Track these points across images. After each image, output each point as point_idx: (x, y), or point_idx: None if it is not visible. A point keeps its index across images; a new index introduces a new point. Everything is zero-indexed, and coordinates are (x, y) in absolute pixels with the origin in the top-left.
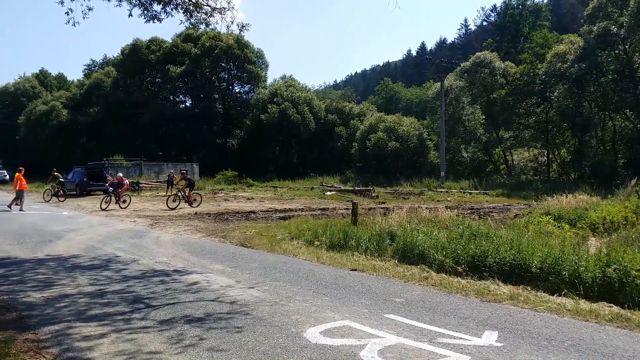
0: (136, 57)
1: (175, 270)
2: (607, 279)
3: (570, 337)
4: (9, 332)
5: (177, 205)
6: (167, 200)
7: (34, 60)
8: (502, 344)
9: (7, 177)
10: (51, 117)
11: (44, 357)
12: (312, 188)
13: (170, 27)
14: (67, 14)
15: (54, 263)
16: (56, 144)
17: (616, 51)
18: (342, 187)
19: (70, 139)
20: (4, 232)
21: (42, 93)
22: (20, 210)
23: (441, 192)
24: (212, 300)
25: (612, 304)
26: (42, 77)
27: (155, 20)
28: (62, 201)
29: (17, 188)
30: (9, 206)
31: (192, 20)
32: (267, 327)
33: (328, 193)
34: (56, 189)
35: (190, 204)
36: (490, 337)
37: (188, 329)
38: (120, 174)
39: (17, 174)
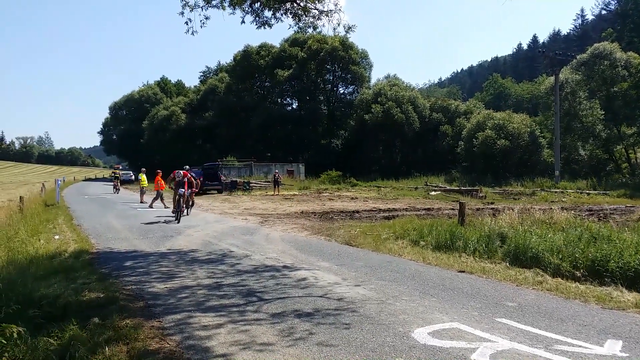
0: (247, 62)
1: (284, 266)
2: None
3: None
4: (137, 319)
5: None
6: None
7: (156, 69)
8: (627, 355)
9: (132, 177)
10: (171, 121)
11: (167, 343)
12: (416, 188)
13: (278, 33)
14: (187, 24)
15: (175, 256)
16: (175, 146)
17: None
18: (447, 187)
19: (188, 141)
20: (131, 227)
21: (163, 99)
22: (165, 207)
23: (555, 192)
24: (320, 297)
25: None
26: (163, 84)
27: (266, 26)
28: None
29: (157, 188)
30: (150, 205)
31: (301, 24)
32: (374, 325)
33: (432, 193)
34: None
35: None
36: (613, 347)
37: (298, 323)
38: (186, 167)
39: (156, 175)
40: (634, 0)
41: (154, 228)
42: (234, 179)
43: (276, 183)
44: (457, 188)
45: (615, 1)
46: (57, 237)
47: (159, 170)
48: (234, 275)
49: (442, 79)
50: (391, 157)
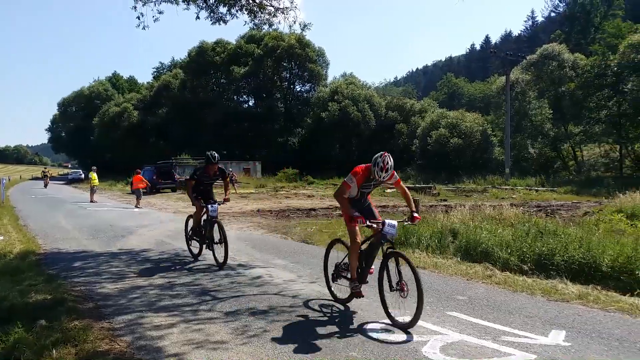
0: (202, 59)
1: (239, 265)
2: None
3: None
4: (86, 321)
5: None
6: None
7: (108, 65)
8: (569, 344)
9: (82, 175)
10: (123, 118)
11: (118, 344)
12: None
13: (234, 29)
14: (139, 18)
15: (126, 256)
16: (127, 144)
17: None
18: None
19: (140, 138)
20: (81, 227)
21: (114, 95)
22: (137, 207)
23: (506, 189)
24: (275, 294)
25: None
26: (115, 80)
27: (221, 22)
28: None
29: (137, 187)
30: (137, 207)
31: (256, 21)
32: (329, 322)
33: (388, 190)
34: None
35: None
36: (557, 337)
37: (252, 320)
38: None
39: (134, 175)
40: (580, 3)
41: (105, 227)
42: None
43: (231, 181)
44: (412, 185)
45: (564, 4)
46: (0, 238)
47: (138, 170)
48: (187, 274)
49: (398, 78)
50: (348, 155)
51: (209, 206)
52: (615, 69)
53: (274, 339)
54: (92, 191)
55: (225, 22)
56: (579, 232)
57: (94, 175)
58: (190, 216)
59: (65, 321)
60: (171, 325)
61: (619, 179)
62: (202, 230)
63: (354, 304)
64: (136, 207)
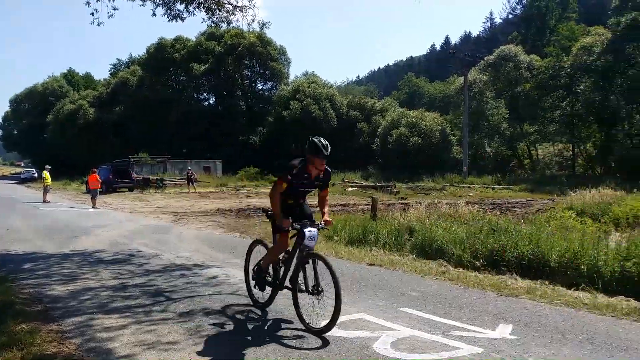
0: (161, 55)
1: (195, 265)
2: (625, 273)
3: (585, 331)
4: (34, 324)
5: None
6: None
7: (63, 61)
8: (516, 337)
9: (35, 174)
10: (78, 116)
11: (66, 347)
12: (333, 184)
13: (194, 26)
14: (93, 14)
15: (78, 258)
16: (83, 142)
17: None
18: (364, 183)
19: (97, 137)
20: (33, 227)
21: (69, 92)
22: (92, 207)
23: (463, 187)
24: (230, 294)
25: (630, 298)
26: (70, 76)
27: (178, 20)
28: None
29: (93, 187)
30: (94, 207)
31: (214, 19)
32: (284, 321)
33: (349, 189)
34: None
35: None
36: (504, 330)
37: (206, 320)
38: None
39: (90, 174)
40: (536, 6)
41: (58, 228)
42: (147, 177)
43: (190, 180)
44: (373, 184)
45: (521, 6)
46: None
47: (94, 169)
48: (141, 275)
49: (360, 77)
50: None
51: (306, 230)
52: (569, 70)
53: (227, 339)
54: (46, 191)
55: (182, 19)
56: (529, 228)
57: (47, 175)
58: (258, 242)
59: (12, 324)
60: (122, 327)
61: (571, 177)
62: (283, 268)
63: (308, 301)
64: (92, 207)
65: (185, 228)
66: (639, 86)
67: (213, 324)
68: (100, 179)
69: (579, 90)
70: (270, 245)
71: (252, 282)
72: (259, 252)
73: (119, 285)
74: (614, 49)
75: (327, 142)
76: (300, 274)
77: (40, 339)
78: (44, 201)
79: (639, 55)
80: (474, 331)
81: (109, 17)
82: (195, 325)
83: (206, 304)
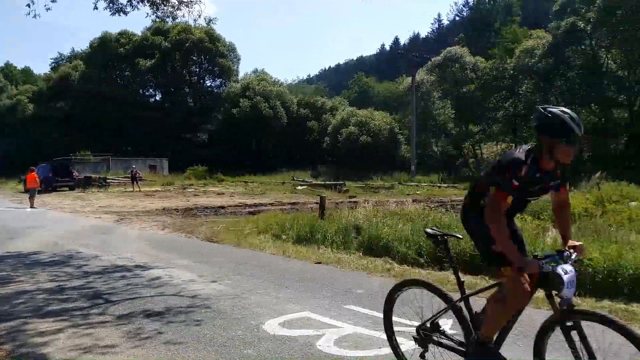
0: (105, 50)
1: (137, 266)
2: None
3: (523, 323)
4: None
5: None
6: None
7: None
8: (455, 332)
9: None
10: (17, 112)
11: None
12: (283, 183)
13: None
14: (29, 6)
15: (13, 260)
16: (22, 139)
17: (582, 46)
18: (314, 182)
19: (36, 134)
20: None
21: (7, 87)
22: (31, 207)
23: (411, 185)
24: (173, 295)
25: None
26: (7, 70)
27: (121, 13)
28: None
29: (31, 186)
30: (32, 207)
31: (159, 14)
32: (226, 320)
33: (299, 187)
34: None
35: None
36: (445, 325)
37: (147, 323)
38: None
39: (28, 173)
40: (482, 9)
41: (4, 228)
42: (89, 175)
43: (134, 179)
44: (323, 182)
45: (467, 8)
46: None
47: (32, 167)
48: (79, 277)
49: (311, 76)
50: (259, 152)
51: (561, 271)
52: (512, 72)
53: (168, 342)
54: None
55: (125, 13)
56: None
57: None
58: (413, 283)
59: None
60: (58, 331)
61: None
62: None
63: (253, 301)
64: (30, 207)
65: (129, 228)
66: (577, 88)
67: (154, 327)
68: (40, 177)
69: (521, 92)
70: (435, 285)
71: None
72: (416, 298)
73: (56, 288)
74: (554, 52)
75: (576, 115)
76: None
77: None
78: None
79: (578, 58)
80: (413, 326)
81: (46, 9)
82: (135, 327)
83: (147, 305)
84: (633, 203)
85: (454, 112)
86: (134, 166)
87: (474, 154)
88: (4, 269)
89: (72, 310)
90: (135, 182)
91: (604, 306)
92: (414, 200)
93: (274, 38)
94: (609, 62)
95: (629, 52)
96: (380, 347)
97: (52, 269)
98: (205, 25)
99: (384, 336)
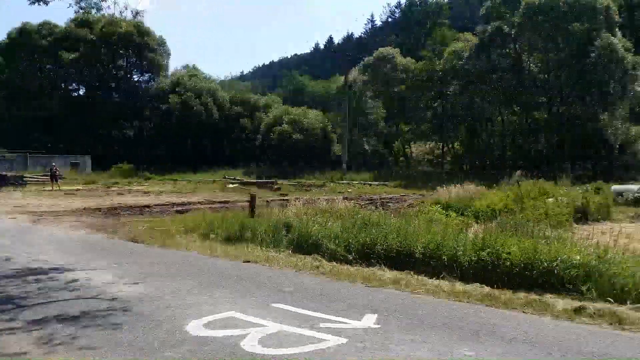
0: (25, 41)
1: (53, 268)
2: (481, 262)
3: (443, 316)
4: None
5: None
6: None
7: None
8: (379, 326)
9: None
10: None
11: None
12: (214, 181)
13: (63, 11)
14: None
15: None
16: None
17: (507, 50)
18: (245, 180)
19: None
20: None
21: None
22: None
23: (343, 183)
24: (91, 298)
25: (484, 285)
26: None
27: (41, 3)
28: None
29: None
30: None
31: (82, 4)
32: (147, 323)
33: (230, 186)
34: None
35: None
36: (369, 320)
37: (60, 328)
38: None
39: None
40: (413, 11)
41: None
42: (3, 173)
43: (53, 177)
44: (255, 181)
45: (399, 10)
46: None
47: None
48: None
49: (244, 73)
50: (189, 150)
51: None
52: (440, 73)
53: (82, 347)
54: None
55: (46, 3)
56: (398, 222)
57: None
58: None
59: None
60: None
61: (441, 174)
62: None
63: (176, 302)
64: None
65: (46, 229)
66: (501, 90)
67: (68, 332)
68: None
69: (449, 93)
70: None
71: None
72: None
73: None
74: (481, 55)
75: None
76: None
77: None
78: None
79: (503, 61)
80: (341, 322)
81: None
82: (47, 333)
83: (62, 310)
84: (550, 200)
85: (385, 111)
86: (53, 164)
87: (403, 153)
88: None
89: None
90: (54, 180)
91: (520, 297)
92: (344, 198)
93: (206, 33)
94: (531, 65)
95: (548, 55)
96: (305, 344)
97: None
98: (132, 18)
99: (309, 333)
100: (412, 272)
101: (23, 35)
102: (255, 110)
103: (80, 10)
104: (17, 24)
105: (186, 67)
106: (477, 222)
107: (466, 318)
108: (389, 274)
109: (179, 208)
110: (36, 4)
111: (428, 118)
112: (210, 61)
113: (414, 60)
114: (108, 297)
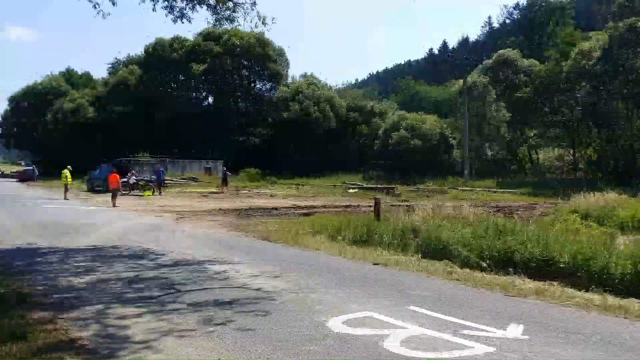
0: (159, 55)
1: (201, 261)
2: (638, 274)
3: (597, 332)
4: (50, 313)
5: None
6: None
7: (61, 60)
8: (528, 337)
9: (37, 172)
10: (78, 115)
11: (87, 332)
12: (334, 186)
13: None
14: (95, 7)
15: (92, 252)
16: (82, 140)
17: None
18: (365, 185)
19: (96, 135)
20: (44, 225)
21: (68, 91)
22: (114, 206)
23: (465, 190)
24: (238, 287)
25: None
26: (69, 75)
27: (184, 20)
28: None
29: (114, 187)
30: (114, 205)
31: (218, 17)
32: (290, 315)
33: (350, 191)
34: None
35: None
36: (515, 330)
37: (217, 311)
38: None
39: (111, 174)
40: (534, 11)
41: (79, 224)
42: (146, 176)
43: (225, 180)
44: (374, 186)
45: (518, 11)
46: None
47: (115, 169)
48: (152, 269)
49: (359, 80)
50: (310, 156)
51: None
52: (568, 75)
53: (238, 328)
54: (66, 189)
55: (189, 19)
56: (537, 230)
57: (67, 174)
58: None
59: (27, 314)
60: (137, 316)
61: (572, 182)
62: None
63: (315, 298)
64: (113, 206)
65: (188, 227)
66: (636, 90)
67: (224, 315)
68: (102, 177)
69: (578, 95)
70: None
71: None
72: None
73: (133, 277)
74: (612, 54)
75: None
76: None
77: (55, 327)
78: (65, 199)
79: (637, 60)
80: (484, 330)
81: (112, 3)
82: (207, 315)
83: (216, 296)
84: None
85: (510, 115)
86: (224, 168)
87: (529, 159)
88: (84, 260)
89: (148, 298)
90: (225, 184)
91: None
92: (470, 205)
93: (322, 43)
94: None
95: None
96: (451, 350)
97: (129, 262)
98: (262, 26)
99: (452, 339)
100: (554, 283)
101: (157, 49)
102: (372, 116)
103: (216, 23)
104: (152, 39)
105: (304, 75)
106: (621, 233)
107: (623, 335)
108: (529, 283)
109: (304, 211)
110: (179, 21)
111: (556, 122)
112: (326, 69)
113: (537, 62)
114: (253, 288)
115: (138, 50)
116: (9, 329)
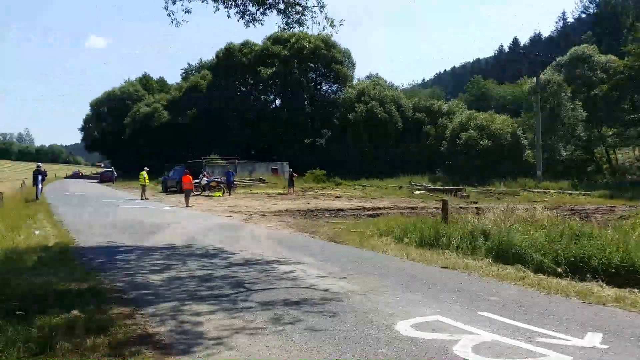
0: (229, 60)
1: (270, 261)
2: None
3: None
4: (128, 308)
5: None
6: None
7: (138, 66)
8: (607, 346)
9: (115, 174)
10: (153, 119)
11: (164, 327)
12: (400, 187)
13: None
14: (169, 16)
15: (162, 251)
16: (157, 143)
17: None
18: (431, 187)
19: (170, 138)
20: (115, 224)
21: (145, 96)
22: (187, 206)
23: (537, 192)
24: (306, 288)
25: None
26: (145, 81)
27: (256, 23)
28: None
29: (187, 187)
30: (187, 206)
31: (288, 20)
32: (358, 316)
33: (416, 192)
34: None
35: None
36: (593, 339)
37: (286, 310)
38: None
39: (183, 175)
40: (611, 4)
41: (148, 224)
42: (217, 177)
43: (291, 181)
44: (441, 187)
45: (594, 5)
46: (37, 232)
47: (187, 170)
48: (223, 267)
49: (425, 80)
50: (375, 157)
51: None
52: None
53: (306, 328)
54: (144, 190)
55: (261, 22)
56: (617, 234)
57: (145, 175)
58: None
59: (107, 309)
60: (210, 313)
61: None
62: None
63: (382, 300)
64: (186, 206)
65: (257, 227)
66: None
67: (293, 314)
68: (176, 178)
69: None
70: None
71: None
72: None
73: (205, 275)
74: None
75: None
76: None
77: (132, 322)
78: (142, 199)
79: None
80: (560, 338)
81: (179, 25)
82: (276, 314)
83: (285, 296)
84: None
85: (587, 113)
86: (290, 169)
87: (607, 160)
88: (159, 258)
89: (220, 295)
90: (292, 186)
91: None
92: (543, 207)
93: (388, 43)
94: None
95: None
96: (525, 358)
97: (200, 260)
98: (330, 28)
99: (526, 346)
100: (635, 290)
101: (228, 55)
102: (439, 116)
103: (285, 27)
104: (222, 44)
105: (370, 76)
106: None
107: None
108: (608, 290)
109: (370, 212)
110: (251, 24)
111: (637, 120)
112: (392, 70)
113: (616, 58)
114: (321, 289)
115: (210, 55)
116: (93, 323)
